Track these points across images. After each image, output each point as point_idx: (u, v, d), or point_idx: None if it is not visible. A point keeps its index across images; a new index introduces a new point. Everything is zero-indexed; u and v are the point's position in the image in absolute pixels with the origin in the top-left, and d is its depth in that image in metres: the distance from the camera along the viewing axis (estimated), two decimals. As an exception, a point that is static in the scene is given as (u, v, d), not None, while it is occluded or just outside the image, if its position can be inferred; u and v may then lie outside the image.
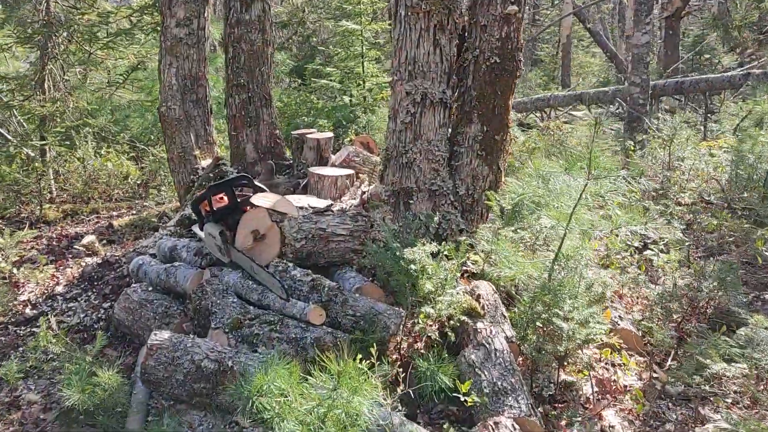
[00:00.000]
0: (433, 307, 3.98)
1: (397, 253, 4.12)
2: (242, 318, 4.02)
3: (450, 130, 5.42)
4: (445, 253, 4.30)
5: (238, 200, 4.59)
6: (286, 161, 6.52)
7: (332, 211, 4.76)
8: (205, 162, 6.47)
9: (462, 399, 3.54)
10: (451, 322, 4.06)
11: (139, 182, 10.15)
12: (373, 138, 7.09)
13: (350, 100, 11.29)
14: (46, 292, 5.86)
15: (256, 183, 4.69)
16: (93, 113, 11.17)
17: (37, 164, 8.46)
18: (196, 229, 5.23)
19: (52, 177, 9.06)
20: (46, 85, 8.46)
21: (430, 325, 4.08)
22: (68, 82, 9.40)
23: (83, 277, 5.92)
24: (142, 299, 4.77)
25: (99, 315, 5.25)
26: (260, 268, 4.17)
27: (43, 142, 8.30)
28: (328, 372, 3.04)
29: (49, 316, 5.03)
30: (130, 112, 12.37)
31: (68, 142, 9.17)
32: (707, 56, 16.76)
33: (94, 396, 3.50)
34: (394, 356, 4.07)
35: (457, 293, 4.08)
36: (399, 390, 3.70)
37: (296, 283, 4.25)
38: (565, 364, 4.06)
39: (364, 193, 5.45)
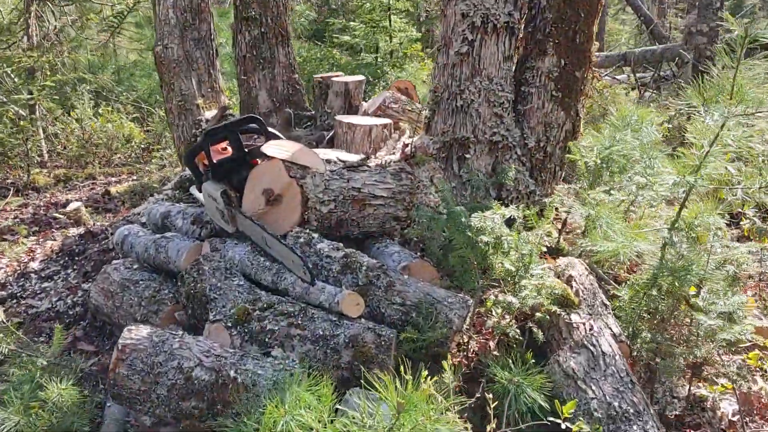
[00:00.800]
0: (515, 294, 2.85)
1: (462, 220, 2.98)
2: (251, 307, 2.93)
3: (517, 64, 4.24)
4: (519, 219, 3.16)
5: (246, 150, 3.48)
6: (306, 112, 5.38)
7: (368, 165, 3.63)
8: (210, 113, 5.36)
9: (563, 427, 2.43)
10: (538, 314, 2.94)
11: (143, 146, 9.09)
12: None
13: (376, 57, 10.09)
14: (18, 269, 4.83)
15: (271, 130, 3.56)
16: (93, 69, 10.10)
17: (23, 123, 7.40)
18: (194, 190, 4.15)
19: (42, 137, 8.01)
20: (30, 31, 7.35)
21: (507, 319, 2.97)
22: (60, 31, 8.30)
23: (63, 250, 4.88)
24: (124, 279, 3.71)
25: (76, 299, 4.20)
26: (275, 239, 3.07)
27: (30, 96, 7.23)
28: (372, 388, 1.96)
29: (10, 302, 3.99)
30: (135, 71, 11.31)
31: (60, 99, 8.13)
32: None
33: (41, 419, 2.44)
34: (458, 360, 2.97)
35: (547, 275, 2.94)
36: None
37: (323, 261, 3.15)
38: (698, 373, 2.93)
39: (406, 145, 4.31)
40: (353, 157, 3.75)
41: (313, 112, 5.34)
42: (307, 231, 3.32)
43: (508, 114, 4.19)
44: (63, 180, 7.79)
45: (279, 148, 3.38)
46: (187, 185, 5.00)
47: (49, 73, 7.81)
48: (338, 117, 4.58)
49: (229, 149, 3.64)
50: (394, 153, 4.41)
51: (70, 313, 4.09)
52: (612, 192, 3.70)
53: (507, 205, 3.78)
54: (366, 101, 5.01)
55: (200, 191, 3.74)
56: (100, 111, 9.01)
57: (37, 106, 7.76)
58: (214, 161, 3.42)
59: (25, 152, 7.45)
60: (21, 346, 3.29)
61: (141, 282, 3.67)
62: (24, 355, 2.97)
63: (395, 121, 4.71)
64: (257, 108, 5.25)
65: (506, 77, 4.14)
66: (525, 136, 4.22)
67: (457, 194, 4.13)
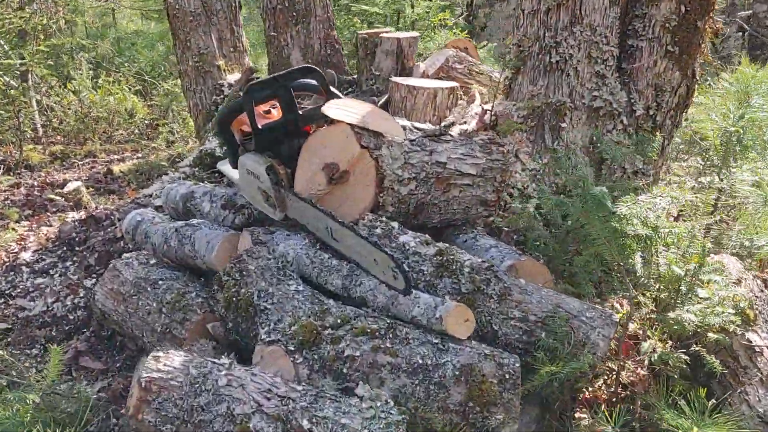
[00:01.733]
0: (689, 309, 2.06)
1: (607, 204, 2.18)
2: (318, 323, 2.14)
3: (622, 11, 3.43)
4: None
5: (299, 113, 2.67)
6: (346, 75, 4.55)
7: (451, 135, 2.83)
8: (233, 76, 4.54)
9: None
10: (711, 335, 2.15)
11: (147, 121, 8.25)
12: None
13: (398, 28, 9.21)
14: (7, 260, 4.02)
15: (333, 90, 2.74)
16: (92, 37, 9.23)
17: (14, 92, 6.56)
18: (224, 166, 3.34)
19: (36, 110, 7.17)
20: (21, -12, 6.50)
21: (668, 342, 2.18)
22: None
23: (60, 239, 4.07)
24: (139, 279, 2.91)
25: (77, 300, 3.41)
26: (349, 230, 2.28)
27: (22, 62, 6.38)
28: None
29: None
30: (137, 40, 10.43)
31: (56, 68, 7.29)
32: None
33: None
34: (604, 396, 2.19)
35: (725, 284, 2.15)
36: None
37: (409, 259, 2.36)
38: None
39: (485, 113, 3.49)
40: (425, 125, 2.94)
41: (354, 76, 4.52)
42: (383, 219, 2.52)
43: (612, 74, 3.39)
44: (60, 157, 6.96)
45: (344, 110, 2.57)
46: (208, 161, 4.20)
47: (42, 37, 6.94)
48: (394, 79, 3.76)
49: (274, 112, 2.83)
50: (464, 123, 3.60)
51: (70, 318, 3.30)
52: (756, 170, 2.91)
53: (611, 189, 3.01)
54: (421, 62, 4.18)
55: (235, 166, 2.93)
56: (99, 82, 8.16)
57: (29, 74, 6.91)
58: (259, 126, 2.61)
59: (17, 126, 6.61)
60: (7, 366, 2.50)
61: (161, 282, 2.87)
62: (9, 384, 2.17)
63: (462, 85, 3.90)
64: (290, 70, 4.42)
65: (611, 27, 3.33)
66: (632, 101, 3.41)
67: (550, 173, 3.34)
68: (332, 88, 2.71)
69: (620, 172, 3.41)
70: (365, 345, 2.06)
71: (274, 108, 2.85)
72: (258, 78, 4.31)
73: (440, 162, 2.69)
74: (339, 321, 2.14)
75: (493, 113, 3.43)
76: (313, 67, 2.65)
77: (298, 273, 2.46)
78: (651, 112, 3.44)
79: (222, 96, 4.54)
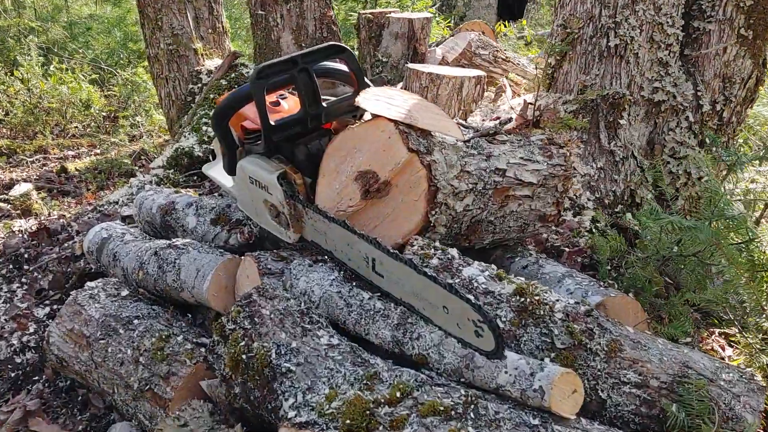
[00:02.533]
0: None
1: (746, 227, 1.63)
2: (370, 398, 1.55)
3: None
4: None
5: (323, 105, 2.06)
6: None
7: (506, 134, 2.25)
8: (212, 62, 3.88)
9: None
10: None
11: (104, 113, 7.49)
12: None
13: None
14: (-62, 282, 3.31)
15: (367, 79, 2.13)
16: (42, 19, 8.40)
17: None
18: (213, 170, 2.71)
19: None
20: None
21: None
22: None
23: (5, 255, 3.37)
24: (108, 317, 2.27)
25: (25, 338, 2.74)
26: (397, 261, 1.69)
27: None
28: None
29: None
30: (92, 24, 9.58)
31: (1, 53, 6.47)
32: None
33: None
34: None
35: None
36: None
37: (479, 299, 1.77)
38: None
39: (527, 106, 2.93)
40: (474, 123, 2.36)
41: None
42: (437, 244, 1.93)
43: (675, 62, 2.86)
44: (5, 153, 6.18)
45: (385, 102, 1.97)
46: (185, 161, 3.55)
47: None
48: (412, 66, 3.17)
49: (285, 104, 2.22)
50: (497, 119, 3.04)
51: (17, 361, 2.63)
52: None
53: (674, 198, 2.51)
54: (435, 47, 3.60)
55: (231, 172, 2.31)
56: (50, 70, 7.37)
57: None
58: (272, 123, 1.99)
59: (-45, 118, 5.81)
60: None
61: (136, 322, 2.24)
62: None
63: (489, 75, 3.33)
64: (279, 53, 3.80)
65: (677, 5, 2.80)
66: (698, 93, 2.89)
67: (606, 178, 2.80)
68: (368, 79, 2.10)
69: (684, 177, 2.89)
70: (440, 430, 1.47)
71: (283, 99, 2.23)
72: (243, 65, 3.68)
73: (499, 169, 2.12)
74: (397, 393, 1.55)
75: (538, 107, 2.88)
76: (343, 45, 2.04)
77: (329, 317, 1.86)
78: (718, 108, 2.93)
79: (200, 85, 3.88)
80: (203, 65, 3.91)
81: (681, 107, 2.86)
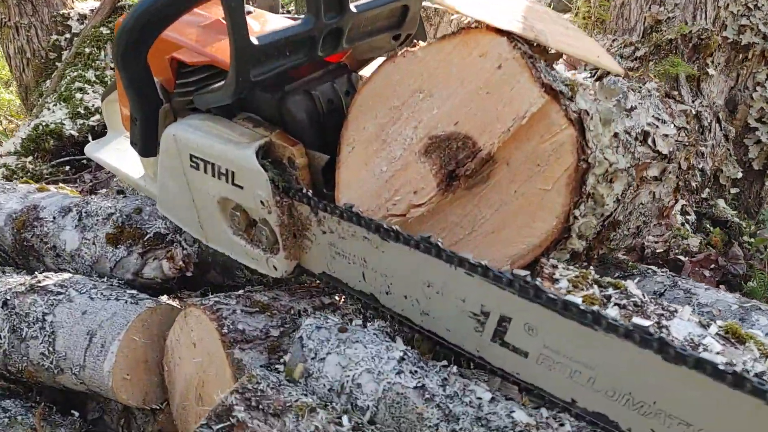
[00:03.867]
0: None
1: None
2: None
3: None
4: None
5: (351, 8, 1.04)
6: None
7: (628, 74, 1.35)
8: (85, 3, 2.72)
9: None
10: None
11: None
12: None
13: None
14: None
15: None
16: None
17: None
18: (103, 152, 1.61)
19: None
20: None
21: None
22: None
23: None
24: None
25: None
26: (558, 313, 0.73)
27: None
28: None
29: None
30: None
31: None
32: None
33: None
34: None
35: None
36: None
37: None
38: None
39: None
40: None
41: None
42: (592, 274, 0.99)
43: (764, -9, 2.08)
44: None
45: (476, 1, 1.00)
46: (51, 143, 2.39)
47: None
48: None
49: (255, 24, 1.19)
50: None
51: None
52: None
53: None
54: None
55: (148, 149, 1.24)
56: None
57: None
58: (254, 40, 0.96)
59: None
60: None
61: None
62: None
63: None
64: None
65: None
66: (793, 37, 2.13)
67: (692, 152, 1.97)
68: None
69: (777, 150, 2.13)
70: None
71: (248, 14, 1.20)
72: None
73: (645, 132, 1.22)
74: None
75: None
76: None
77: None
78: (810, 57, 2.18)
79: (69, 35, 2.70)
80: (72, 6, 2.73)
81: (775, 54, 2.09)
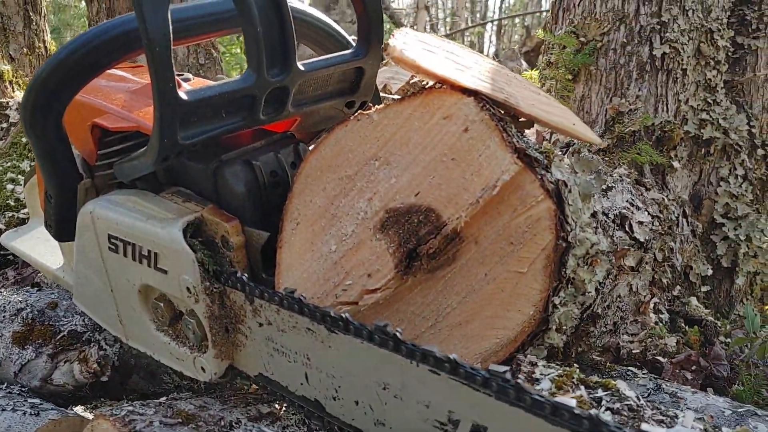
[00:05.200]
0: None
1: None
2: None
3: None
4: None
5: (299, 67, 0.92)
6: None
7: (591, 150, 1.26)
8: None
9: None
10: None
11: None
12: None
13: None
14: None
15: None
16: None
17: None
18: (19, 241, 1.43)
19: None
20: None
21: None
22: None
23: None
24: None
25: None
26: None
27: None
28: None
29: None
30: None
31: None
32: None
33: None
34: None
35: None
36: None
37: None
38: None
39: (541, 138, 2.01)
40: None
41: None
42: (576, 372, 0.84)
43: (721, 87, 2.09)
44: None
45: (443, 58, 0.89)
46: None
47: None
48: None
49: (187, 86, 1.06)
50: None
51: None
52: None
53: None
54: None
55: (63, 232, 1.08)
56: None
57: None
58: (183, 95, 0.82)
59: None
60: None
61: None
62: None
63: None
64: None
65: (725, 9, 2.06)
66: (752, 129, 2.12)
67: (657, 241, 1.88)
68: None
69: (745, 245, 2.06)
70: None
71: (186, 81, 1.07)
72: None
73: (623, 216, 1.11)
74: None
75: (552, 142, 1.94)
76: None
77: None
78: (768, 151, 2.17)
79: (5, 125, 2.54)
80: (12, 96, 2.60)
81: (736, 148, 2.06)
